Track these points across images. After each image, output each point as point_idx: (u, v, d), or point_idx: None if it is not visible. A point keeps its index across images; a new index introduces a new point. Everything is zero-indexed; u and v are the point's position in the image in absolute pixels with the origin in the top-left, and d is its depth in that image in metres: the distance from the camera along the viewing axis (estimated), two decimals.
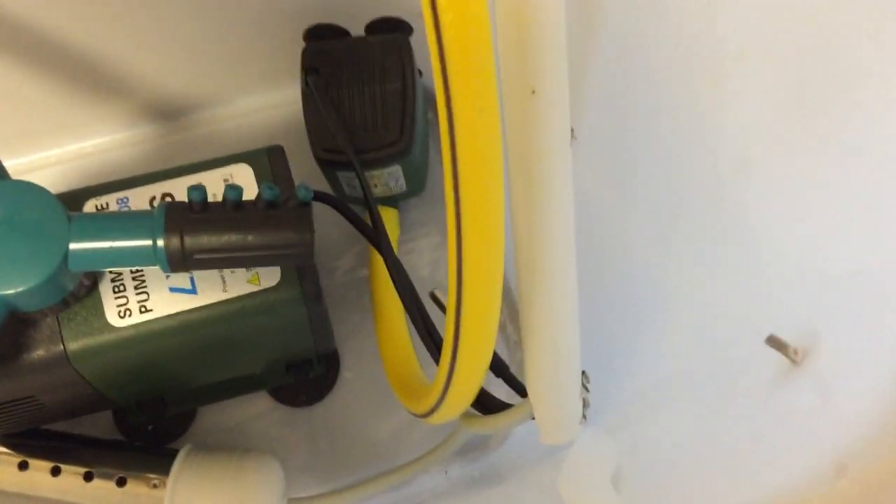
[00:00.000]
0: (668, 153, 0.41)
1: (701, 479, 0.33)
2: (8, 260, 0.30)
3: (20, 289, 0.30)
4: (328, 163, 0.43)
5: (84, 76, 0.46)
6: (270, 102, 0.51)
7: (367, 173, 0.44)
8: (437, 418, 0.35)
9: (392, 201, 0.47)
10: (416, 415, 0.38)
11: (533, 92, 0.25)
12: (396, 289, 0.39)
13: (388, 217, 0.47)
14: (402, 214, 0.49)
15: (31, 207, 0.31)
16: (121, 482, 0.39)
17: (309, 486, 0.45)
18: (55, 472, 0.39)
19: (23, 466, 0.40)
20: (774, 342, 0.31)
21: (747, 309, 0.35)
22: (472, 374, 0.31)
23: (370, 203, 0.40)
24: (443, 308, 0.38)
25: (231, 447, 0.40)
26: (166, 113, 0.50)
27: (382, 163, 0.43)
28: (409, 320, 0.40)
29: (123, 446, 0.42)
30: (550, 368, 0.34)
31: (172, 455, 0.39)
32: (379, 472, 0.43)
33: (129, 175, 0.48)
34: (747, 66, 0.36)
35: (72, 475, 0.39)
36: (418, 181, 0.47)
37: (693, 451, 0.35)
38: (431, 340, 0.38)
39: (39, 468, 0.39)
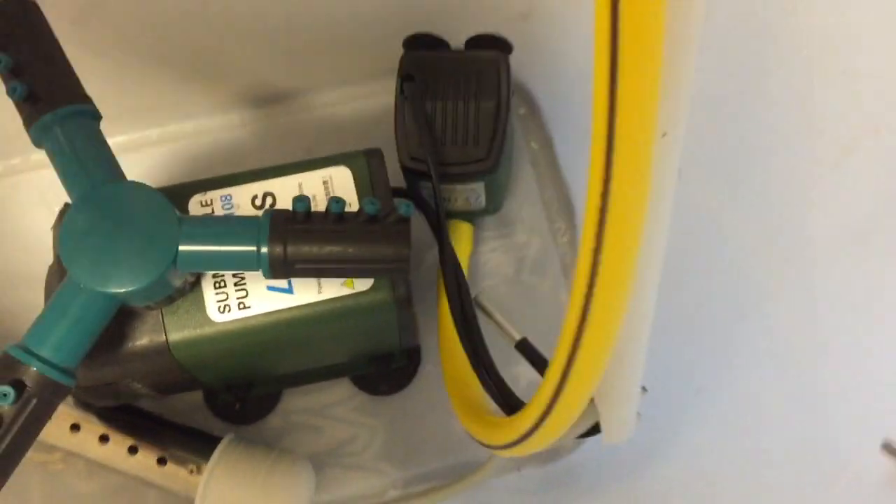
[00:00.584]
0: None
1: None
2: (121, 261, 0.31)
3: (131, 289, 0.31)
4: (412, 171, 0.43)
5: (189, 58, 0.47)
6: (363, 95, 0.51)
7: (449, 187, 0.44)
8: (527, 447, 0.34)
9: (468, 216, 0.47)
10: (490, 446, 0.37)
11: (664, 134, 0.24)
12: (449, 303, 0.39)
13: (463, 231, 0.47)
14: (477, 231, 0.49)
15: (143, 209, 0.32)
16: (161, 462, 0.42)
17: (384, 474, 0.46)
18: (103, 439, 0.43)
19: (74, 428, 0.43)
20: (891, 449, 0.30)
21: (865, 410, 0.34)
22: (583, 395, 0.31)
23: (439, 216, 0.41)
24: (488, 314, 0.38)
25: (270, 447, 0.42)
26: (263, 98, 0.51)
27: (467, 178, 0.43)
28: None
29: (175, 426, 0.44)
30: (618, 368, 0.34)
31: (216, 442, 0.42)
32: (450, 480, 0.44)
33: (226, 158, 0.49)
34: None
35: (118, 445, 0.42)
36: (498, 200, 0.47)
37: None
38: (479, 363, 0.38)
39: (91, 432, 0.43)
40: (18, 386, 0.29)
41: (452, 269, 0.40)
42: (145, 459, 0.42)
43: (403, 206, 0.33)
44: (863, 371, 0.33)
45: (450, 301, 0.40)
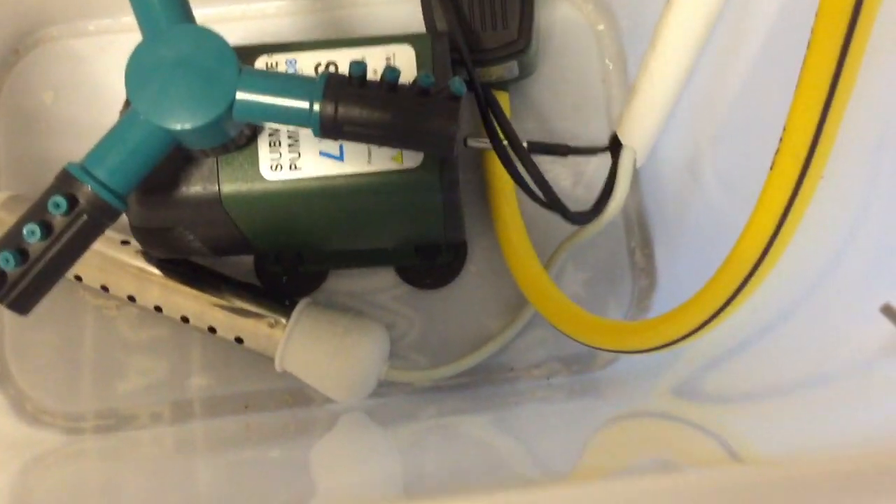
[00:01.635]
0: None
1: None
2: (181, 98, 0.32)
3: (187, 126, 0.32)
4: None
5: None
6: None
7: (484, 69, 0.45)
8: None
9: (503, 85, 0.48)
10: (636, 351, 0.38)
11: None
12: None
13: (500, 99, 0.47)
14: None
15: (208, 53, 0.33)
16: (244, 313, 0.44)
17: (417, 364, 0.47)
18: (186, 293, 0.45)
19: (142, 276, 0.45)
20: (890, 312, 0.29)
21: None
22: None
23: (479, 98, 0.41)
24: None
25: (347, 309, 0.44)
26: None
27: (500, 61, 0.44)
28: None
29: (250, 288, 0.45)
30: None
31: (289, 307, 0.44)
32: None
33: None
34: None
35: (200, 302, 0.44)
36: (532, 66, 0.48)
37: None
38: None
39: (174, 291, 0.44)
40: (72, 200, 0.31)
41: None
42: (227, 313, 0.44)
43: (456, 83, 0.33)
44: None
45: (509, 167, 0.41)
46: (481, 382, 0.47)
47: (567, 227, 0.45)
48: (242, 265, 0.48)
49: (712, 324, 0.34)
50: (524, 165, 0.41)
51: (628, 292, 0.48)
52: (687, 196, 0.46)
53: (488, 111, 0.41)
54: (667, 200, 0.48)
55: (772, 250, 0.30)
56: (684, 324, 0.35)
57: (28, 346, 0.48)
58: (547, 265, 0.46)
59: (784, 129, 0.28)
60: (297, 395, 0.47)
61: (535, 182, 0.41)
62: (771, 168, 0.29)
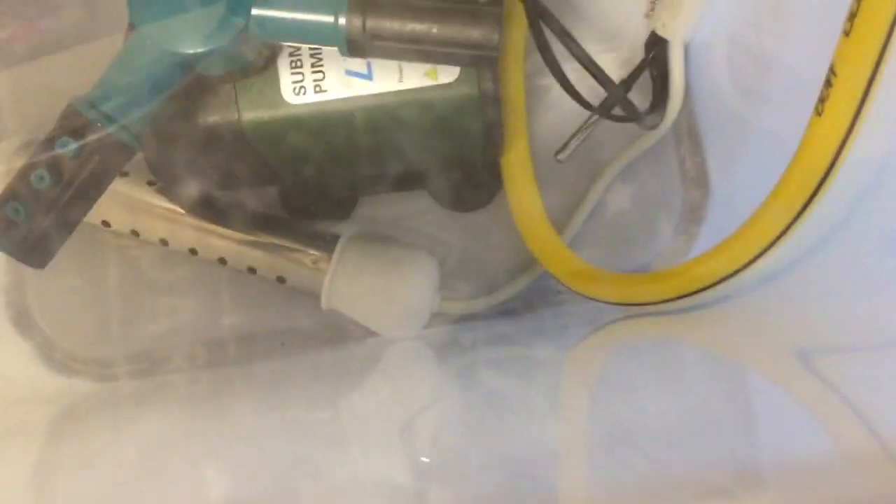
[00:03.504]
0: None
1: None
2: (191, 18, 0.29)
3: (200, 49, 0.29)
4: None
5: None
6: None
7: None
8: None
9: None
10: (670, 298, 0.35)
11: None
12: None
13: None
14: None
15: None
16: (285, 251, 0.41)
17: (457, 290, 0.45)
18: (223, 236, 0.41)
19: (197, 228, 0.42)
20: None
21: None
22: None
23: (530, 11, 0.37)
24: None
25: (390, 239, 0.41)
26: None
27: None
28: None
29: (286, 222, 0.43)
30: None
31: (330, 241, 0.41)
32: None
33: None
34: None
35: (237, 242, 0.41)
36: None
37: None
38: None
39: (210, 232, 0.41)
40: (81, 139, 0.28)
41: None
42: (266, 253, 0.42)
43: None
44: None
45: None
46: (526, 308, 0.45)
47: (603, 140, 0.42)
48: (266, 196, 0.45)
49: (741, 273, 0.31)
50: (588, 69, 0.37)
51: (679, 204, 0.45)
52: (741, 90, 0.42)
53: (536, 18, 0.37)
54: (717, 104, 0.44)
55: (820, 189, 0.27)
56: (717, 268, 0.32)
57: (51, 293, 0.46)
58: (593, 186, 0.43)
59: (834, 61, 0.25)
60: (337, 331, 0.45)
61: (602, 83, 0.37)
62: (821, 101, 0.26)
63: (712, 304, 0.37)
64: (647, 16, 0.43)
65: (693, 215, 0.45)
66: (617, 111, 0.40)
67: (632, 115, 0.39)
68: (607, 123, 0.42)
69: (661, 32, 0.41)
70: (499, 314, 0.45)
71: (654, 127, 0.42)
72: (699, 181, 0.45)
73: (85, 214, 0.30)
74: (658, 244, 0.45)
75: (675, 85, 0.42)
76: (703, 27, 0.42)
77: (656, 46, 0.42)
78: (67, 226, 0.29)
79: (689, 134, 0.45)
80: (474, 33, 0.29)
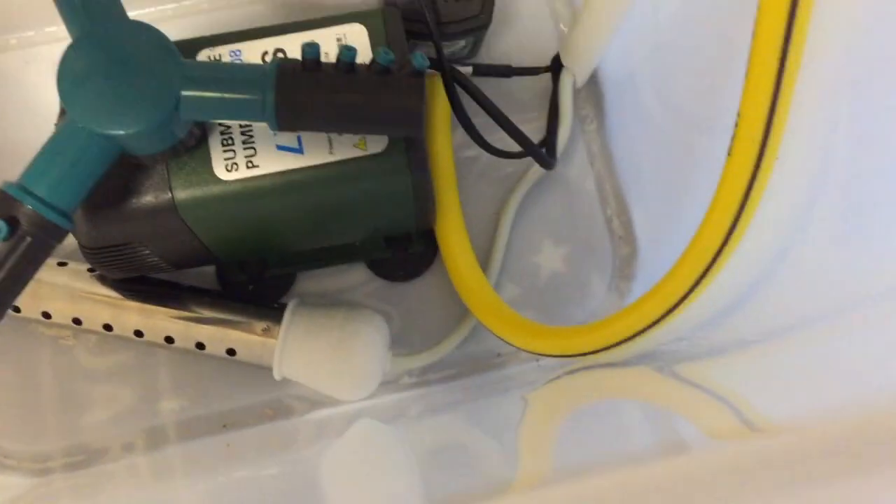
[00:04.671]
0: None
1: None
2: (121, 101, 0.30)
3: (132, 130, 0.30)
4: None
5: None
6: None
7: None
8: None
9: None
10: (582, 353, 0.37)
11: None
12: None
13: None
14: None
15: (145, 49, 0.30)
16: (231, 324, 0.41)
17: (399, 357, 0.45)
18: (168, 315, 0.41)
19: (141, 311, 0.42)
20: None
21: None
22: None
23: (445, 71, 0.39)
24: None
25: (337, 304, 0.41)
26: None
27: (458, 36, 0.42)
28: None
29: (227, 297, 0.43)
30: None
31: (277, 309, 0.41)
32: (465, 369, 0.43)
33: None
34: None
35: (183, 319, 0.41)
36: (479, 47, 0.47)
37: None
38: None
39: (153, 313, 0.41)
40: (12, 222, 0.28)
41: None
42: (213, 328, 0.41)
43: (418, 57, 0.31)
44: None
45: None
46: (469, 373, 0.45)
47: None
48: (203, 276, 0.45)
49: (670, 317, 0.32)
50: (500, 123, 0.39)
51: (609, 262, 0.46)
52: (658, 153, 0.44)
53: (454, 85, 0.39)
54: (638, 163, 0.46)
55: (731, 238, 0.29)
56: (634, 322, 0.34)
57: None
58: (499, 219, 0.45)
59: (738, 115, 0.27)
60: (278, 407, 0.45)
61: (512, 134, 0.40)
62: (728, 155, 0.28)
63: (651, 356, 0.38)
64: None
65: (623, 272, 0.46)
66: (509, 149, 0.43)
67: (530, 151, 0.41)
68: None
69: (563, 59, 0.45)
70: (443, 380, 0.45)
71: (554, 164, 0.44)
72: (627, 239, 0.46)
73: (17, 296, 0.29)
74: (592, 302, 0.46)
75: (564, 110, 0.45)
76: (615, 87, 0.45)
77: (556, 67, 0.46)
78: (2, 302, 0.29)
79: (614, 193, 0.47)
80: (398, 103, 0.31)
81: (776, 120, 0.26)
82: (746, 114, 0.27)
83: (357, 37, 0.35)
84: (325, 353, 0.40)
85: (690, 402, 0.31)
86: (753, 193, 0.27)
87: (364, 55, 0.35)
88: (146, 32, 0.31)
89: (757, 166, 0.27)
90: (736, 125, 0.28)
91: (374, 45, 0.35)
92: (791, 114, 0.27)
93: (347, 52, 0.30)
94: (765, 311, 0.33)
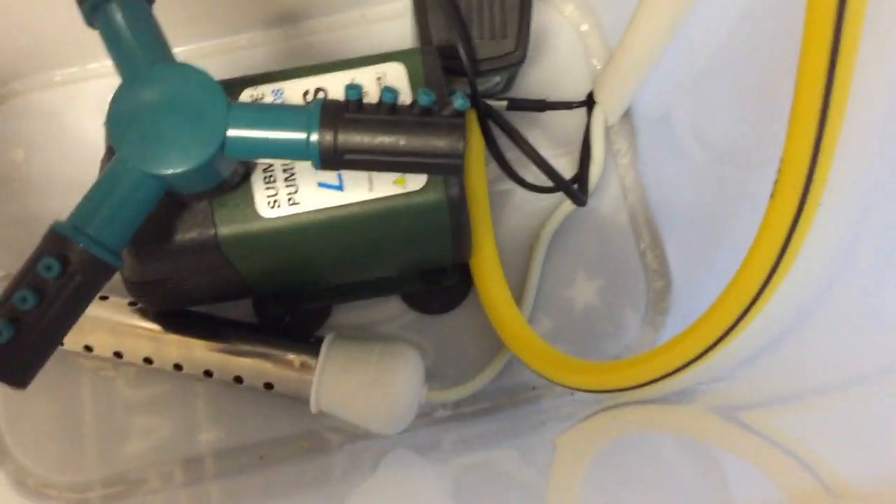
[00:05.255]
0: None
1: None
2: (168, 142, 0.30)
3: (178, 170, 0.30)
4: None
5: None
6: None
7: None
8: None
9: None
10: (627, 388, 0.37)
11: None
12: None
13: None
14: None
15: (193, 91, 0.31)
16: (269, 358, 0.42)
17: (436, 386, 0.45)
18: (207, 348, 0.42)
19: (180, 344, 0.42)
20: None
21: None
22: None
23: (480, 110, 0.40)
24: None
25: (373, 338, 0.42)
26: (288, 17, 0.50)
27: (493, 73, 0.43)
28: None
29: (264, 330, 0.43)
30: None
31: (314, 343, 0.41)
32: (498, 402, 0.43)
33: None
34: None
35: (222, 352, 0.42)
36: (511, 83, 0.47)
37: None
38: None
39: (192, 346, 0.42)
40: (64, 260, 0.29)
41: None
42: (252, 360, 0.42)
43: (460, 99, 0.31)
44: None
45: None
46: (503, 406, 0.45)
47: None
48: (240, 308, 0.46)
49: (707, 356, 0.32)
50: (533, 159, 0.40)
51: (643, 296, 0.47)
52: (692, 187, 0.44)
53: (489, 123, 0.40)
54: (672, 196, 0.46)
55: (773, 278, 0.29)
56: (670, 361, 0.34)
57: (24, 418, 0.45)
58: (532, 252, 0.46)
59: (781, 161, 0.27)
60: (314, 439, 0.45)
61: (544, 170, 0.40)
62: (771, 197, 0.28)
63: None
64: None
65: (657, 306, 0.46)
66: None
67: (562, 187, 0.42)
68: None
69: (596, 96, 0.45)
70: (478, 413, 0.45)
71: (585, 201, 0.45)
72: (661, 273, 0.46)
73: (67, 332, 0.30)
74: (626, 336, 0.46)
75: (597, 146, 0.46)
76: (649, 123, 0.45)
77: (590, 104, 0.46)
78: (50, 344, 0.30)
79: (648, 227, 0.47)
80: (440, 144, 0.31)
81: (820, 162, 0.26)
82: (790, 157, 0.27)
83: (396, 76, 0.36)
84: (362, 388, 0.41)
85: (760, 455, 0.30)
86: (796, 236, 0.27)
87: (404, 94, 0.35)
88: (194, 74, 0.31)
89: (800, 209, 0.27)
90: (779, 170, 0.28)
91: (413, 84, 0.36)
92: (835, 158, 0.27)
93: (389, 93, 0.31)
94: (807, 359, 0.33)
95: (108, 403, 0.45)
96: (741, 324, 0.30)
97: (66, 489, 0.45)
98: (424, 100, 0.31)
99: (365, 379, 0.40)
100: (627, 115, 0.48)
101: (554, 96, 0.47)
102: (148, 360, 0.42)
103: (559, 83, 0.49)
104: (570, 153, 0.48)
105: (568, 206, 0.46)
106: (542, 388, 0.45)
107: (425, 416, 0.45)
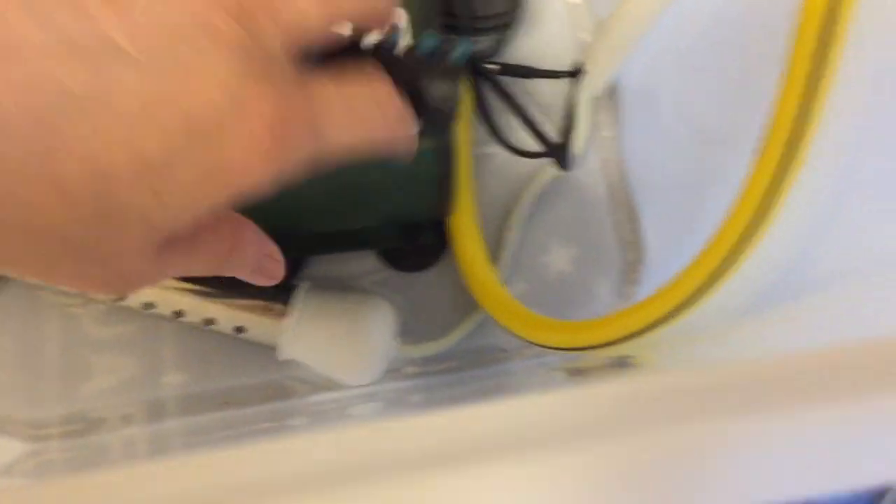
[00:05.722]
0: None
1: None
2: None
3: None
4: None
5: None
6: None
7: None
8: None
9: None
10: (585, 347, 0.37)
11: None
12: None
13: None
14: None
15: None
16: (242, 302, 0.41)
17: (404, 350, 0.45)
18: (180, 286, 0.42)
19: None
20: None
21: None
22: None
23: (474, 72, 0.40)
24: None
25: (347, 289, 0.42)
26: None
27: (486, 32, 0.43)
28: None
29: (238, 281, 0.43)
30: None
31: (289, 290, 0.41)
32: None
33: None
34: None
35: (196, 294, 0.41)
36: (501, 47, 0.48)
37: None
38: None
39: (167, 286, 0.42)
40: None
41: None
42: (218, 302, 0.42)
43: (462, 45, 0.31)
44: None
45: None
46: (471, 366, 0.46)
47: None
48: None
49: (682, 313, 0.33)
50: (524, 120, 0.40)
51: (616, 267, 0.47)
52: (672, 164, 0.45)
53: (479, 84, 0.40)
54: (651, 172, 0.47)
55: (755, 235, 0.30)
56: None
57: None
58: (511, 216, 0.46)
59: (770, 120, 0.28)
60: (280, 389, 0.45)
61: (534, 133, 0.40)
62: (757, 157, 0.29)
63: None
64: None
65: (629, 277, 0.47)
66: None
67: (551, 151, 0.42)
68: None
69: (584, 66, 0.46)
70: (446, 371, 0.45)
71: (571, 165, 0.45)
72: (634, 245, 0.47)
73: None
74: (598, 305, 0.47)
75: (582, 117, 0.46)
76: (632, 95, 0.46)
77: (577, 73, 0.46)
78: None
79: (625, 200, 0.48)
80: (439, 89, 0.31)
81: (808, 119, 0.27)
82: (778, 115, 0.28)
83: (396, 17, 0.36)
84: (334, 337, 0.41)
85: None
86: (780, 191, 0.28)
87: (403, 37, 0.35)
88: None
89: (787, 161, 0.28)
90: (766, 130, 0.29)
91: (414, 30, 0.36)
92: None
93: (391, 36, 0.31)
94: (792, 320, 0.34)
95: (73, 340, 0.45)
96: (718, 282, 0.31)
97: (25, 425, 0.44)
98: (427, 43, 0.31)
99: (338, 327, 0.40)
100: (613, 90, 0.48)
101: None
102: (118, 297, 0.42)
103: (544, 54, 0.49)
104: (553, 122, 0.48)
105: (549, 172, 0.47)
106: (512, 350, 0.46)
107: (394, 371, 0.45)
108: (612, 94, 0.49)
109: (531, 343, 0.41)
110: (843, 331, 0.28)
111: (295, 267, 0.46)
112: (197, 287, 0.42)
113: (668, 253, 0.46)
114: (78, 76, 0.18)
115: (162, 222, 0.21)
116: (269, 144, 0.22)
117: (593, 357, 0.40)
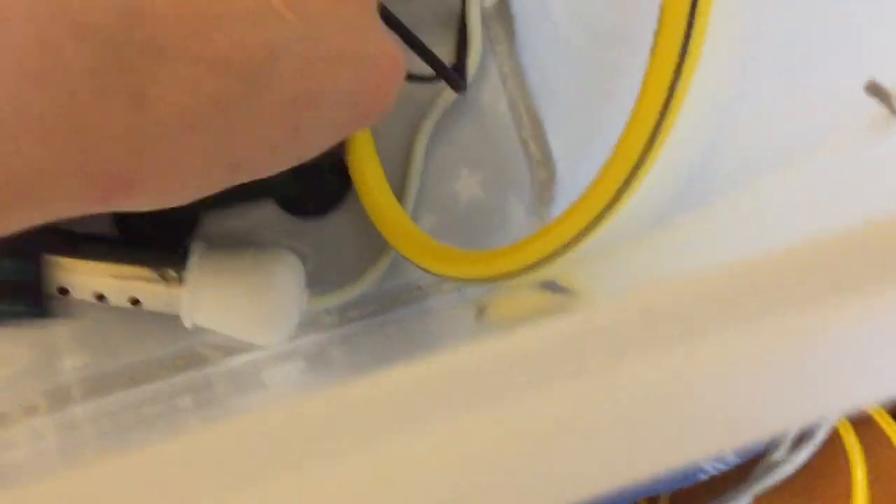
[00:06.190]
0: None
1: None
2: None
3: None
4: None
5: None
6: None
7: None
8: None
9: None
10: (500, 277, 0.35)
11: None
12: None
13: None
14: None
15: None
16: (134, 272, 0.38)
17: (316, 296, 0.43)
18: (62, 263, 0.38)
19: None
20: (875, 89, 0.27)
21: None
22: None
23: None
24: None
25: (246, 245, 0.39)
26: None
27: None
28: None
29: (128, 244, 0.40)
30: None
31: (182, 254, 0.38)
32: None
33: None
34: None
35: (84, 267, 0.38)
36: None
37: None
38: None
39: (46, 262, 0.38)
40: None
41: None
42: (107, 275, 0.38)
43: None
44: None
45: None
46: (389, 308, 0.44)
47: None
48: (98, 222, 0.42)
49: (594, 231, 0.31)
50: (410, 43, 0.37)
51: (528, 187, 0.45)
52: (571, 73, 0.43)
53: None
54: (552, 82, 0.45)
55: (659, 135, 0.28)
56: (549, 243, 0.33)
57: None
58: (412, 148, 0.44)
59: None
60: (191, 358, 0.42)
61: (422, 55, 0.38)
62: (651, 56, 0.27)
63: None
64: None
65: (542, 196, 0.45)
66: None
67: (442, 74, 0.40)
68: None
69: None
70: (363, 317, 0.44)
71: (465, 87, 0.43)
72: (544, 162, 0.45)
73: None
74: (513, 229, 0.45)
75: (473, 28, 0.44)
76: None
77: None
78: None
79: (528, 115, 0.45)
80: None
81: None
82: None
83: None
84: (237, 297, 0.38)
85: None
86: (679, 86, 0.27)
87: None
88: None
89: (681, 60, 0.26)
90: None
91: None
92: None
93: None
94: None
95: None
96: (629, 189, 0.29)
97: None
98: None
99: (239, 287, 0.38)
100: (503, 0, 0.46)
101: None
102: None
103: None
104: (442, 43, 0.45)
105: (447, 97, 0.44)
106: (428, 287, 0.44)
107: (311, 324, 0.43)
108: (503, 6, 0.46)
109: (447, 278, 0.39)
110: (753, 235, 0.27)
111: (188, 227, 0.43)
112: (81, 261, 0.38)
113: (580, 167, 0.44)
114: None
115: None
116: None
117: (517, 285, 0.38)
